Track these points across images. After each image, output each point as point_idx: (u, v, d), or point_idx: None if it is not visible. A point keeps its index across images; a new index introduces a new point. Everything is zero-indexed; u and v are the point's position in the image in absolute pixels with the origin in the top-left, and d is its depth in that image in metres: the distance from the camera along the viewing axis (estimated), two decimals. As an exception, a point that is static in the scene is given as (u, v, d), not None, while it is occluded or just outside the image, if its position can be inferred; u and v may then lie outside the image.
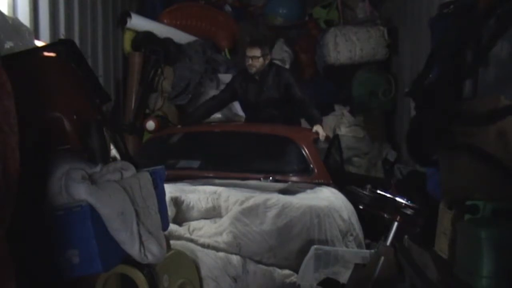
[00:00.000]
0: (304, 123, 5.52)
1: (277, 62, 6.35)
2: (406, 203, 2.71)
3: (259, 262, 3.50)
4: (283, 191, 3.92)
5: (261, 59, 5.18)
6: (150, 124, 6.29)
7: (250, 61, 5.19)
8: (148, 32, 6.71)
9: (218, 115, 6.09)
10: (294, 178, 4.36)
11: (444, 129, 2.37)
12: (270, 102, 5.20)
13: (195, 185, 4.01)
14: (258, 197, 3.67)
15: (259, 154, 4.68)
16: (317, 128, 4.90)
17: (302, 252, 3.44)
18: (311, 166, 4.42)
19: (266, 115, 5.21)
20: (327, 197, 3.95)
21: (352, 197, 3.89)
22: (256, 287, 3.45)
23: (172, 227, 3.36)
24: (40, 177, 2.25)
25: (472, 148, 2.19)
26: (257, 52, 5.17)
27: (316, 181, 4.30)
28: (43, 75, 2.48)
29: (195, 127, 5.21)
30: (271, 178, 4.23)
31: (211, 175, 4.37)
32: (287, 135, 4.75)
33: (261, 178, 4.24)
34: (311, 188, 4.10)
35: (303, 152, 4.50)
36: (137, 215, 2.35)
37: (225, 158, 4.61)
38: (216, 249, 3.37)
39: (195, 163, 4.59)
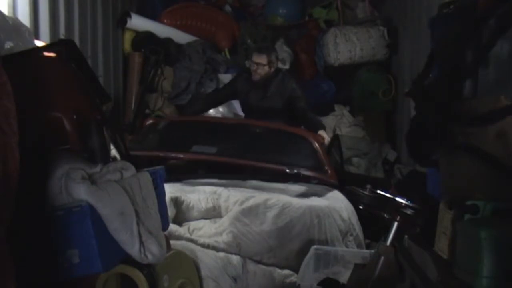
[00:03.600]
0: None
1: (282, 67, 6.30)
2: (406, 203, 2.70)
3: (259, 262, 3.50)
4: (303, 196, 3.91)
5: (266, 67, 5.01)
6: (150, 124, 6.28)
7: (255, 67, 5.01)
8: (148, 32, 6.71)
9: (218, 114, 6.10)
10: (312, 174, 4.31)
11: (444, 129, 2.37)
12: (271, 110, 5.06)
13: (196, 184, 4.00)
14: (258, 197, 3.67)
15: (282, 148, 4.59)
16: (321, 132, 4.80)
17: (302, 252, 3.44)
18: (326, 167, 4.40)
19: None
20: (327, 197, 3.95)
21: (352, 197, 3.89)
22: (256, 287, 3.45)
23: (172, 227, 3.36)
24: (40, 177, 2.25)
25: (472, 148, 2.19)
26: (263, 59, 5.00)
27: (332, 181, 4.28)
28: (43, 75, 2.47)
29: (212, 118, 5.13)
30: (296, 170, 4.17)
31: (228, 160, 4.30)
32: (303, 134, 4.72)
33: (287, 170, 4.19)
34: (330, 190, 4.09)
35: (319, 151, 4.49)
36: (137, 215, 2.35)
37: (245, 146, 4.53)
38: (216, 249, 3.37)
39: (213, 149, 4.49)
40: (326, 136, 4.81)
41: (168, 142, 4.68)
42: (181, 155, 4.50)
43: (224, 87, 5.58)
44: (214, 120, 5.06)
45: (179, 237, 3.37)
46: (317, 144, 4.53)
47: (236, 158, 4.34)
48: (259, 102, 5.10)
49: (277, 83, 5.06)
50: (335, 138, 5.20)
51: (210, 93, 5.66)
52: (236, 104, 5.99)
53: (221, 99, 5.51)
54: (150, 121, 5.06)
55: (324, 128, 4.97)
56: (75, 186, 2.21)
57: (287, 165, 4.29)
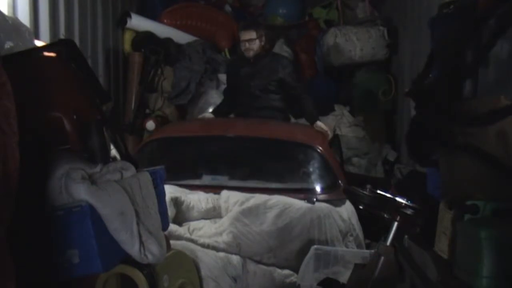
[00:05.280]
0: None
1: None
2: (406, 203, 2.70)
3: (259, 262, 3.50)
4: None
5: (257, 41, 4.94)
6: (150, 124, 6.29)
7: (247, 45, 4.95)
8: (148, 32, 6.71)
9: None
10: (328, 197, 3.95)
11: (444, 129, 2.37)
12: (262, 88, 4.93)
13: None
14: (258, 198, 3.67)
15: (294, 170, 4.21)
16: (321, 125, 4.67)
17: (302, 252, 3.44)
18: (339, 181, 4.11)
19: (258, 104, 4.93)
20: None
21: (352, 197, 3.87)
22: (256, 287, 3.45)
23: (172, 227, 3.36)
24: (40, 177, 2.25)
25: (472, 148, 2.19)
26: (252, 34, 4.94)
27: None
28: (43, 75, 2.47)
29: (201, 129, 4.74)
30: (315, 199, 3.80)
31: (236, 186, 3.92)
32: (311, 143, 4.30)
33: (305, 200, 3.78)
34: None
35: (330, 164, 4.16)
36: (137, 215, 2.35)
37: (251, 169, 4.19)
38: (216, 249, 3.37)
39: (219, 178, 4.13)
40: (326, 128, 4.68)
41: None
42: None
43: (227, 83, 5.49)
44: (206, 134, 4.57)
45: (179, 237, 3.37)
46: (328, 156, 4.21)
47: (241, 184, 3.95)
48: (249, 81, 4.97)
49: (268, 59, 5.02)
50: (335, 138, 5.19)
51: (225, 94, 5.53)
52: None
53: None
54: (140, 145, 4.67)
55: (318, 118, 4.85)
56: (75, 186, 2.21)
57: (302, 192, 3.91)
